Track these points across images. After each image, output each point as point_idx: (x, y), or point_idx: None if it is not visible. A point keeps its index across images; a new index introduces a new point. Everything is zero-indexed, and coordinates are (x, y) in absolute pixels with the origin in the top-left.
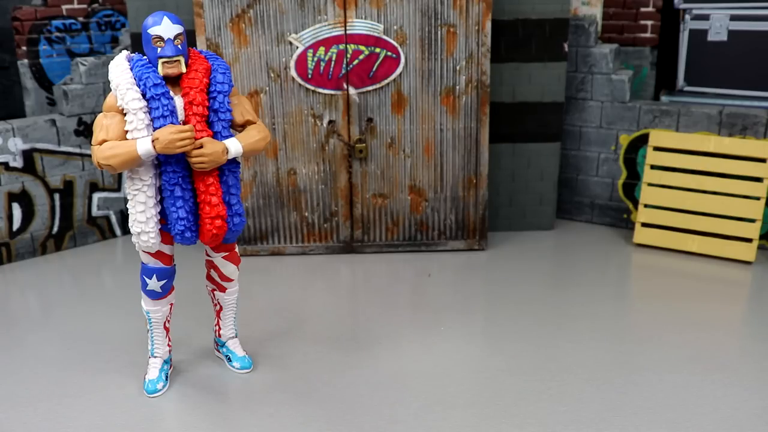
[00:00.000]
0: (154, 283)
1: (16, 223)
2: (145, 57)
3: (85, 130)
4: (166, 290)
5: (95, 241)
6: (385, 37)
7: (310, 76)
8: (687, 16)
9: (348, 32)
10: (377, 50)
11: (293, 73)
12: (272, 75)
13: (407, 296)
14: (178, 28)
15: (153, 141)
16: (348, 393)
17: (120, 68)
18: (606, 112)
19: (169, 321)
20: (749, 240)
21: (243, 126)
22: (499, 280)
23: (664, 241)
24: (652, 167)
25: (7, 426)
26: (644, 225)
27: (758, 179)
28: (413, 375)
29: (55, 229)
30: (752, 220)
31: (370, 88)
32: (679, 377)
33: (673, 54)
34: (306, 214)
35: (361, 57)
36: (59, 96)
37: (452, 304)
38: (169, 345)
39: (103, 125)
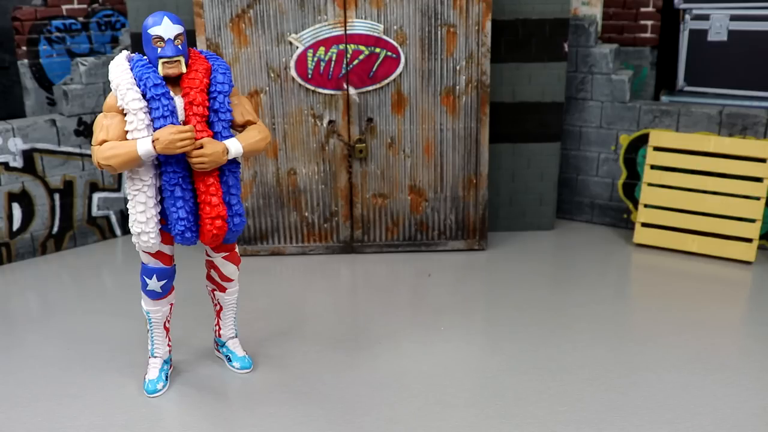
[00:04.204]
0: (154, 283)
1: (16, 223)
2: (145, 57)
3: (85, 130)
4: (166, 290)
5: (95, 241)
6: (385, 37)
7: (310, 76)
8: (687, 16)
9: (348, 32)
10: (377, 50)
11: (293, 73)
12: (272, 75)
13: (407, 296)
14: (178, 29)
15: (153, 141)
16: (348, 393)
17: (120, 68)
18: (606, 112)
19: (169, 321)
20: (749, 240)
21: (243, 126)
22: (499, 280)
23: (664, 241)
24: (652, 167)
25: (7, 426)
26: (644, 225)
27: (758, 179)
28: (413, 375)
29: (55, 229)
30: (752, 220)
31: (370, 88)
32: (679, 377)
33: (673, 54)
34: (306, 214)
35: (361, 57)
36: (59, 96)
37: (452, 304)
38: (169, 345)
39: (103, 125)
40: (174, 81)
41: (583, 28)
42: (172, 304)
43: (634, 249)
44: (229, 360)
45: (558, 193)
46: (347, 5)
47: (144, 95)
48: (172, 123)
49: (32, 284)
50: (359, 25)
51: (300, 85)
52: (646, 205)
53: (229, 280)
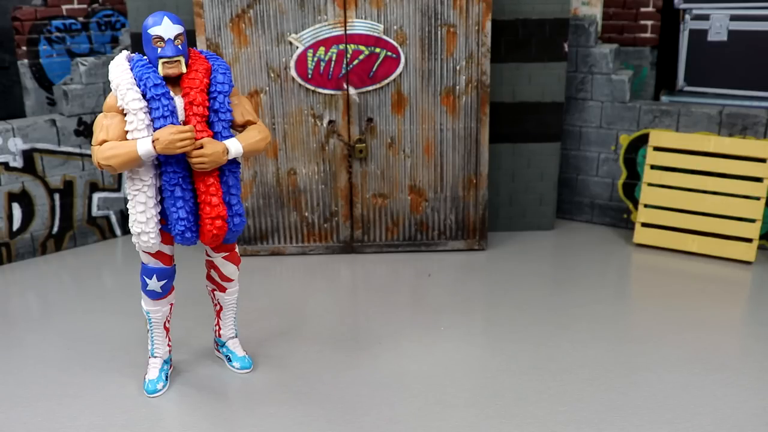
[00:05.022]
0: (154, 283)
1: (16, 223)
2: (145, 57)
3: (85, 130)
4: (166, 290)
5: (95, 241)
6: (385, 37)
7: (310, 76)
8: (687, 16)
9: (348, 32)
10: (377, 50)
11: (293, 73)
12: (272, 75)
13: (407, 296)
14: (178, 29)
15: (153, 141)
16: (348, 393)
17: (120, 68)
18: (606, 112)
19: (169, 321)
20: (749, 240)
21: (243, 126)
22: (499, 280)
23: (664, 241)
24: (652, 167)
25: (7, 426)
26: (644, 225)
27: (758, 179)
28: (413, 375)
29: (55, 229)
30: (752, 220)
31: (370, 88)
32: (679, 377)
33: (673, 54)
34: (306, 214)
35: (361, 57)
36: (59, 96)
37: (452, 304)
38: (169, 345)
39: (103, 125)
40: (174, 81)
41: (583, 28)
42: (172, 304)
43: (634, 249)
44: (229, 360)
45: (558, 193)
46: (347, 5)
47: (144, 95)
48: (172, 123)
49: (32, 284)
50: (359, 25)
51: (300, 85)
52: (646, 205)
53: (229, 280)
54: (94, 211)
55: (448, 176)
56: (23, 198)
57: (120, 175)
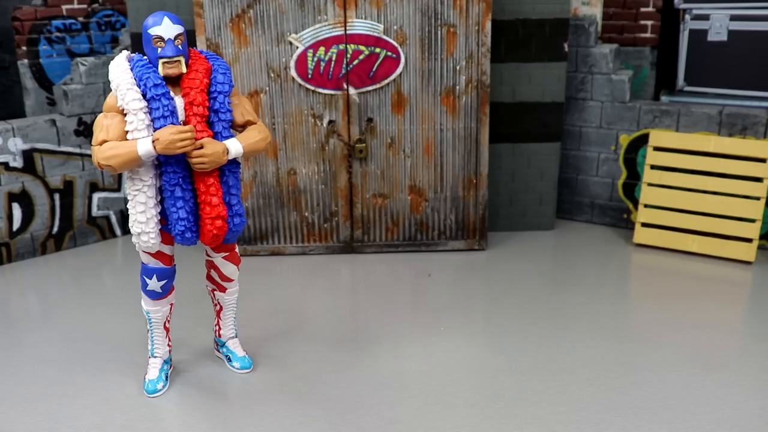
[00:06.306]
0: (154, 284)
1: (16, 223)
2: (145, 57)
3: (85, 130)
4: (166, 290)
5: (95, 241)
6: (385, 37)
7: (310, 76)
8: (687, 16)
9: (348, 32)
10: (377, 50)
11: (293, 73)
12: (272, 75)
13: (407, 296)
14: (178, 29)
15: (153, 141)
16: (348, 393)
17: (120, 68)
18: (606, 112)
19: (169, 321)
20: (749, 240)
21: (243, 126)
22: (499, 280)
23: (664, 241)
24: (652, 167)
25: (7, 426)
26: (644, 225)
27: (758, 179)
28: (413, 375)
29: (55, 229)
30: (752, 220)
31: (370, 88)
32: (679, 377)
33: (673, 54)
34: (306, 214)
35: (361, 57)
36: (59, 96)
37: (452, 304)
38: (169, 345)
39: (103, 125)
40: (174, 81)
41: (583, 28)
42: (172, 304)
43: (634, 249)
44: (229, 360)
45: (558, 193)
46: (347, 5)
47: (144, 95)
48: (172, 123)
49: (32, 284)
50: (359, 25)
51: (300, 85)
52: (646, 205)
53: (229, 280)
54: (94, 211)
55: (448, 176)
56: (23, 198)
57: (120, 175)
